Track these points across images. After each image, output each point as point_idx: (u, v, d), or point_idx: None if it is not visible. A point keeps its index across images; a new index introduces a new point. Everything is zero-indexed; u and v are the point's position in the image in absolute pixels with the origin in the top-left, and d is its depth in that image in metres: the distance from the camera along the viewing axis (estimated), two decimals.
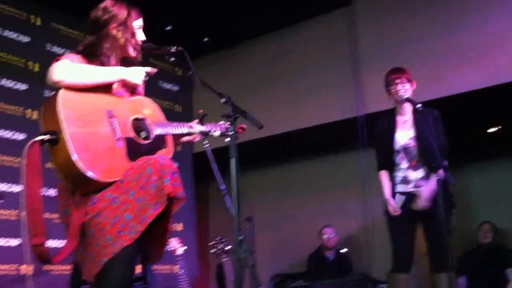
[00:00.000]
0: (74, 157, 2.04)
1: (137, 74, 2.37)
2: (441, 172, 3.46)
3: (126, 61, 2.50)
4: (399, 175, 3.80)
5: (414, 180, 3.76)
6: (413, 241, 3.78)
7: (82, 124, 2.12)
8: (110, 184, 2.14)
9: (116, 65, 2.43)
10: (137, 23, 2.48)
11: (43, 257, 2.08)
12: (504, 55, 4.89)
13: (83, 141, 2.09)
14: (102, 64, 2.36)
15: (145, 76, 2.42)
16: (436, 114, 3.82)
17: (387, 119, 3.93)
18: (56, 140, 2.08)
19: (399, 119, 3.90)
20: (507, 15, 4.95)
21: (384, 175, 3.88)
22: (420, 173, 3.76)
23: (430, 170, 3.66)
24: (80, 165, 2.05)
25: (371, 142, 3.88)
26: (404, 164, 3.80)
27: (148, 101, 2.50)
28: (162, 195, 2.07)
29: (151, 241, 2.28)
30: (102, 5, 2.46)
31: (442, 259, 3.55)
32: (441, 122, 3.84)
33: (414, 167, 3.77)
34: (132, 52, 2.47)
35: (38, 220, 2.06)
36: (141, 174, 2.12)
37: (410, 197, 3.73)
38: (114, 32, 2.41)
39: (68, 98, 2.15)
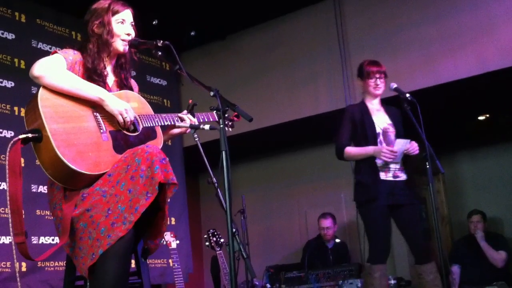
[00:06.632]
0: (58, 153, 2.04)
1: (119, 105, 2.25)
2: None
3: (121, 58, 2.50)
4: (379, 161, 3.76)
5: (393, 169, 3.78)
6: (391, 231, 3.78)
7: (63, 121, 2.13)
8: (98, 177, 2.14)
9: (109, 62, 2.44)
10: (120, 17, 2.43)
11: (25, 255, 2.08)
12: (494, 42, 4.89)
13: (66, 136, 2.10)
14: (93, 64, 2.35)
15: (124, 115, 2.26)
16: (399, 114, 3.92)
17: (358, 107, 3.95)
18: (39, 138, 2.08)
19: (371, 107, 3.94)
20: (497, 2, 4.94)
21: (351, 147, 3.83)
22: (398, 163, 3.79)
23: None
24: (65, 160, 2.05)
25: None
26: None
27: (134, 94, 2.49)
28: (153, 184, 2.06)
29: (148, 231, 2.27)
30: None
31: (423, 249, 3.57)
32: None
33: None
34: (119, 47, 2.44)
35: (19, 220, 2.06)
36: (130, 165, 2.11)
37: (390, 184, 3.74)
38: (96, 30, 2.40)
39: (48, 95, 2.16)
